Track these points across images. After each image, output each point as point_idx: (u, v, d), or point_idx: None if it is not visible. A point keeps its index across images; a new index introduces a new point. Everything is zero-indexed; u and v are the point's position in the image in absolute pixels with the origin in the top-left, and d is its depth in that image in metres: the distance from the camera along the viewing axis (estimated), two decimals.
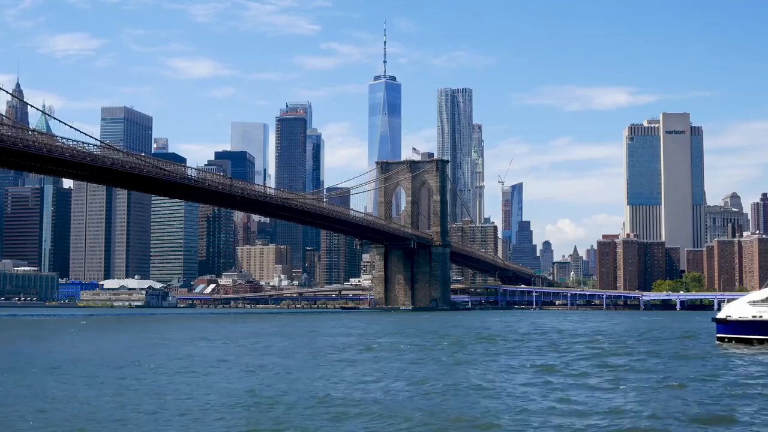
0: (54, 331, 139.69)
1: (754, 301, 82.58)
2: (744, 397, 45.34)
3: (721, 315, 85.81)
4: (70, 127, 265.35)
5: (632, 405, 42.31)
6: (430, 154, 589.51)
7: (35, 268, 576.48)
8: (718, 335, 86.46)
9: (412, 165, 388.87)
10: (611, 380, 53.81)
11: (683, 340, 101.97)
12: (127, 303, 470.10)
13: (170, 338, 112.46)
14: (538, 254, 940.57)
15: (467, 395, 46.10)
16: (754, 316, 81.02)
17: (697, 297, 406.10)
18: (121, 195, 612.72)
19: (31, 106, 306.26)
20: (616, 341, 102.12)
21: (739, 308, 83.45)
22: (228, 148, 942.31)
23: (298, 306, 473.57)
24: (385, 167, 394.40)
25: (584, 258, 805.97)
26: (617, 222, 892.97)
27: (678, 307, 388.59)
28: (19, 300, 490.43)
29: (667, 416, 38.73)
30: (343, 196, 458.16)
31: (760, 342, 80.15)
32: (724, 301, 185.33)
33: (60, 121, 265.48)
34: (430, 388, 49.53)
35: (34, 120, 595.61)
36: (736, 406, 41.83)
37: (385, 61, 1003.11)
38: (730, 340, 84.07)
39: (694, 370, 61.04)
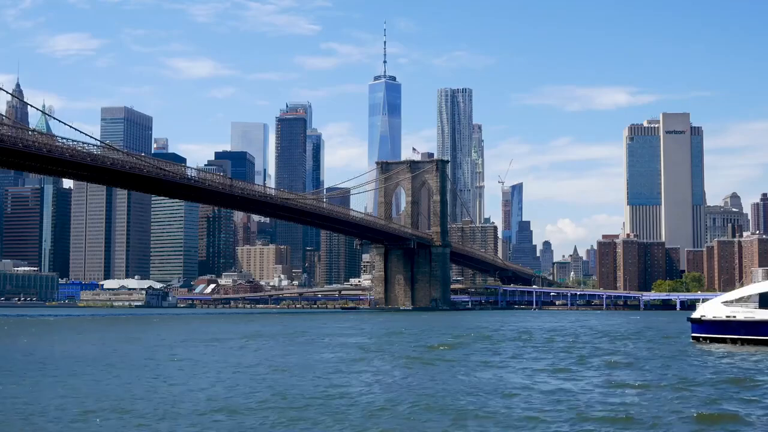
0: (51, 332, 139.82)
1: (727, 301, 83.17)
2: (705, 399, 45.39)
3: (695, 315, 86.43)
4: (70, 127, 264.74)
5: (594, 401, 42.44)
6: (430, 154, 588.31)
7: (35, 268, 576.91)
8: (693, 335, 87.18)
9: (412, 165, 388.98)
10: (583, 374, 54.06)
11: (661, 339, 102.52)
12: (127, 303, 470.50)
13: (171, 339, 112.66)
14: (538, 254, 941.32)
15: (466, 394, 46.23)
16: (728, 316, 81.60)
17: (697, 297, 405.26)
18: (121, 195, 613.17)
19: (31, 106, 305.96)
20: (602, 340, 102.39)
21: (713, 308, 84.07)
22: (228, 148, 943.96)
23: (298, 306, 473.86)
24: (385, 167, 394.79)
25: (584, 258, 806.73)
26: (617, 222, 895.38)
27: (678, 307, 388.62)
28: (19, 300, 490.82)
29: (638, 413, 38.90)
30: (343, 196, 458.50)
31: (734, 342, 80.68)
32: None
33: (60, 121, 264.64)
34: (430, 387, 49.66)
35: (34, 120, 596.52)
36: (702, 403, 42.01)
37: (385, 61, 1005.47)
38: (704, 339, 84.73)
39: (659, 367, 61.77)
